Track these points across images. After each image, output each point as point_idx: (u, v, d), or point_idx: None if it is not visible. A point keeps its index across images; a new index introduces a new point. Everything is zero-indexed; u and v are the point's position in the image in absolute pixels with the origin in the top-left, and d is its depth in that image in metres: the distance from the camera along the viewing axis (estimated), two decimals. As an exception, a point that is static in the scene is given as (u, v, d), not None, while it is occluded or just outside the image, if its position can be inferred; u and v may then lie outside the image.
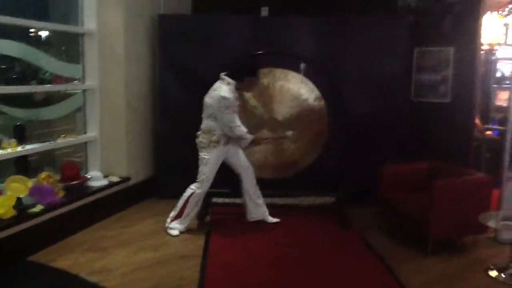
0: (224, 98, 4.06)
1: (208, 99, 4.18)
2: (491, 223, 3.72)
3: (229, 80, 4.16)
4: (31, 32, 5.20)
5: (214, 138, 4.19)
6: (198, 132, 4.28)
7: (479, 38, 5.31)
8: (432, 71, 5.30)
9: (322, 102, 4.87)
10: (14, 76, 6.85)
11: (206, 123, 4.22)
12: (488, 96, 6.90)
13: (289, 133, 4.70)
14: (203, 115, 4.25)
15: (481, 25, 5.26)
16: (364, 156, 5.02)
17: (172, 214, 4.40)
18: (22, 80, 6.71)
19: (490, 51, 6.81)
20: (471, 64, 5.20)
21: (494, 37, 6.62)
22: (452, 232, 4.10)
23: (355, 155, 4.94)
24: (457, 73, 5.20)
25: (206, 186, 4.31)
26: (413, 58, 5.36)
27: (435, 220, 3.87)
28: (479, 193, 4.06)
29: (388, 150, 5.09)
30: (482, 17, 5.32)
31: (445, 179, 4.10)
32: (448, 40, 5.21)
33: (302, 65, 4.77)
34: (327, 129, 4.90)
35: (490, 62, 6.93)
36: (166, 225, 4.40)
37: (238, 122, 4.16)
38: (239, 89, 4.25)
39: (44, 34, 5.32)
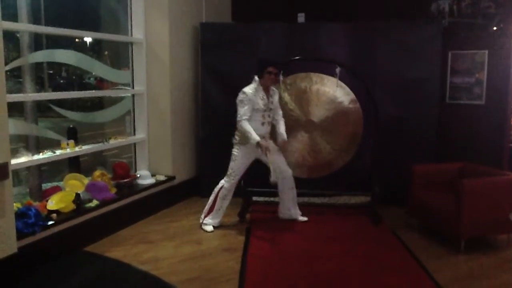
0: (242, 92, 4.36)
1: None
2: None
3: (255, 78, 4.42)
4: (86, 42, 5.61)
5: (243, 136, 4.40)
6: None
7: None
8: (466, 74, 5.36)
9: (357, 105, 5.01)
10: (61, 81, 7.30)
11: None
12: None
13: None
14: None
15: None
16: (397, 157, 5.13)
17: (206, 209, 4.66)
18: (69, 84, 7.14)
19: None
20: (506, 66, 5.22)
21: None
22: (482, 230, 4.17)
23: (388, 156, 5.06)
24: (492, 75, 5.23)
25: (233, 180, 4.53)
26: (447, 61, 5.42)
27: (465, 219, 3.97)
28: (510, 193, 4.13)
29: (421, 151, 5.18)
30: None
31: (474, 179, 4.17)
32: (482, 43, 5.24)
33: (337, 69, 4.86)
34: (361, 131, 5.04)
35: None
36: (200, 221, 4.67)
37: (244, 116, 4.30)
38: (265, 86, 4.42)
39: (97, 43, 5.70)
